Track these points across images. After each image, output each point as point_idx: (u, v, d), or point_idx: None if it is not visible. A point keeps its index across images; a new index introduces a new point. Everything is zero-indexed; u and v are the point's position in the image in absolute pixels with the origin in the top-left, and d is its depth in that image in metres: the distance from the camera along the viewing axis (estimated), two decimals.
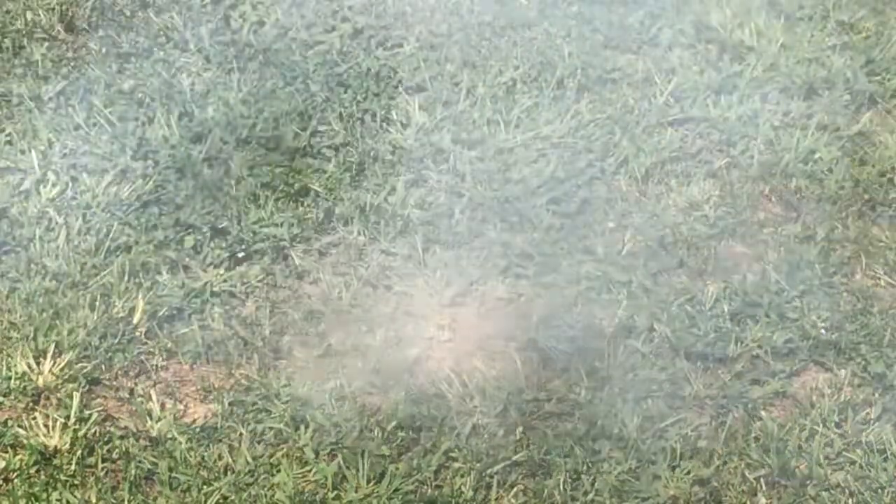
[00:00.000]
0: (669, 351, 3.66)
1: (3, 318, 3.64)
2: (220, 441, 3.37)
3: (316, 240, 3.97)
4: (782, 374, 3.63)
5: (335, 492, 3.27)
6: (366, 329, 3.70)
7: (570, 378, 3.58)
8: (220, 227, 3.95)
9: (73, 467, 3.26)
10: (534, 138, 4.34)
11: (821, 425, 3.47)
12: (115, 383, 3.52)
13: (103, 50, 4.69)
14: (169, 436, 3.35)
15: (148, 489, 3.26)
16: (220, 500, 3.23)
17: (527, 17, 4.94)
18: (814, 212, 4.16)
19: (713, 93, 4.59)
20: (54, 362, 3.49)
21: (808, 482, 3.35)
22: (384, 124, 4.39)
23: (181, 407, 3.47)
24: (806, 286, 3.86)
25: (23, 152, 4.17)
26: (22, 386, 3.45)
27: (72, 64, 4.61)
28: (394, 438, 3.39)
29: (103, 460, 3.30)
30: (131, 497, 3.22)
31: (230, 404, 3.46)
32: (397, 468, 3.32)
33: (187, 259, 3.85)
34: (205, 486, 3.25)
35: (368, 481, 3.29)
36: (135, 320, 3.65)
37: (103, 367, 3.54)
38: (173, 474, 3.27)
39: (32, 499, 3.20)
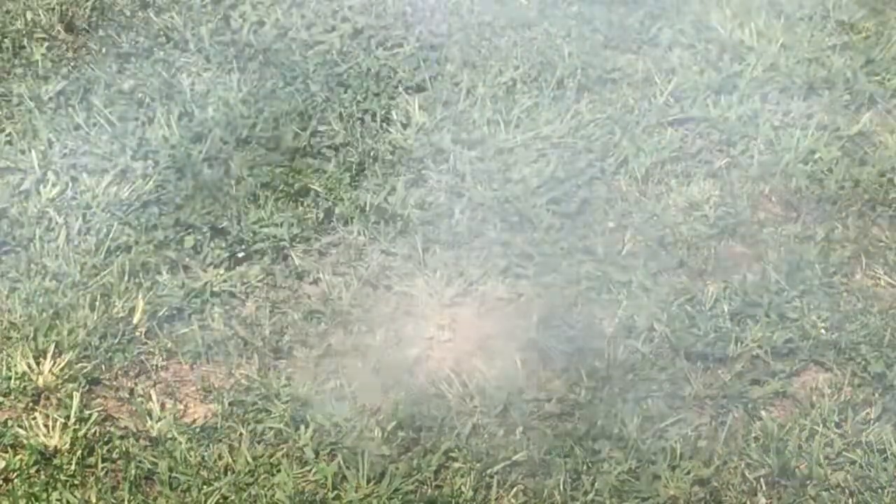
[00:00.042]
0: (669, 351, 3.66)
1: (3, 318, 3.64)
2: (220, 441, 3.37)
3: (316, 240, 3.97)
4: (782, 374, 3.63)
5: (335, 492, 3.27)
6: (366, 329, 3.70)
7: (570, 378, 3.58)
8: (220, 227, 3.95)
9: (73, 467, 3.27)
10: (534, 138, 4.34)
11: (821, 425, 3.47)
12: (115, 383, 3.52)
13: (103, 50, 4.69)
14: (169, 436, 3.36)
15: (148, 489, 3.26)
16: (220, 500, 3.23)
17: (527, 17, 4.94)
18: (814, 212, 4.16)
19: (713, 93, 4.59)
20: (54, 362, 3.49)
21: (808, 482, 3.35)
22: (384, 124, 4.39)
23: (181, 407, 3.47)
24: (806, 286, 3.86)
25: (23, 152, 4.17)
26: (22, 386, 3.45)
27: (72, 64, 4.62)
28: (394, 438, 3.39)
29: (103, 460, 3.30)
30: (131, 497, 3.22)
31: (230, 404, 3.46)
32: (397, 468, 3.32)
33: (187, 259, 3.86)
34: (205, 486, 3.25)
35: (368, 481, 3.29)
36: (135, 320, 3.65)
37: (103, 367, 3.54)
38: (173, 474, 3.27)
39: (32, 499, 3.20)
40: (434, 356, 3.65)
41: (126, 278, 3.76)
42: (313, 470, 3.31)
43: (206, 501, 3.22)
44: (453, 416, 3.45)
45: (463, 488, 3.29)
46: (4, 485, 3.24)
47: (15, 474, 3.25)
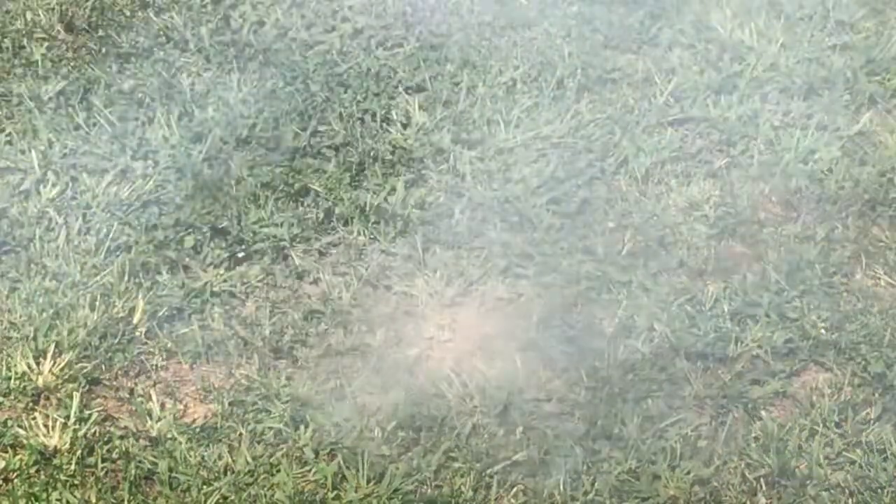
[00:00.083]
0: (669, 351, 3.66)
1: (3, 318, 3.64)
2: (220, 441, 3.37)
3: (316, 240, 3.97)
4: (782, 374, 3.63)
5: (335, 492, 3.27)
6: (366, 329, 3.70)
7: (570, 378, 3.58)
8: (220, 227, 3.95)
9: (73, 467, 3.27)
10: (534, 138, 4.34)
11: (821, 425, 3.47)
12: (115, 383, 3.52)
13: (103, 50, 4.69)
14: (169, 436, 3.36)
15: (148, 489, 3.26)
16: (220, 500, 3.23)
17: (527, 17, 4.94)
18: (814, 212, 4.16)
19: (713, 93, 4.59)
20: (54, 362, 3.49)
21: (808, 482, 3.35)
22: (384, 124, 4.39)
23: (181, 407, 3.47)
24: (806, 286, 3.86)
25: (23, 152, 4.17)
26: (22, 386, 3.45)
27: (72, 64, 4.62)
28: (394, 438, 3.39)
29: (103, 460, 3.30)
30: (131, 497, 3.22)
31: (230, 404, 3.46)
32: (397, 468, 3.32)
33: (187, 259, 3.86)
34: (205, 486, 3.25)
35: (368, 481, 3.29)
36: (135, 320, 3.65)
37: (103, 367, 3.54)
38: (173, 474, 3.27)
39: (32, 499, 3.20)
40: (434, 356, 3.65)
41: (126, 278, 3.76)
42: (313, 470, 3.31)
43: (206, 501, 3.22)
44: (453, 416, 3.45)
45: (463, 488, 3.29)
46: (4, 485, 3.24)
47: (15, 474, 3.25)
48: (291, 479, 3.28)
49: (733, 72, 4.69)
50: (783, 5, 5.02)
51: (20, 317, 3.64)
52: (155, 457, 3.31)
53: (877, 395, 3.57)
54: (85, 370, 3.50)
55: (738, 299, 3.80)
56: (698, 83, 4.63)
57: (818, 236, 4.05)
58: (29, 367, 3.48)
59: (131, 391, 3.50)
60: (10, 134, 4.25)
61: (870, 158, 4.37)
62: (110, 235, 3.89)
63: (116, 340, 3.60)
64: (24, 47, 4.69)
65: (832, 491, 3.34)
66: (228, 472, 3.29)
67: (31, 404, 3.43)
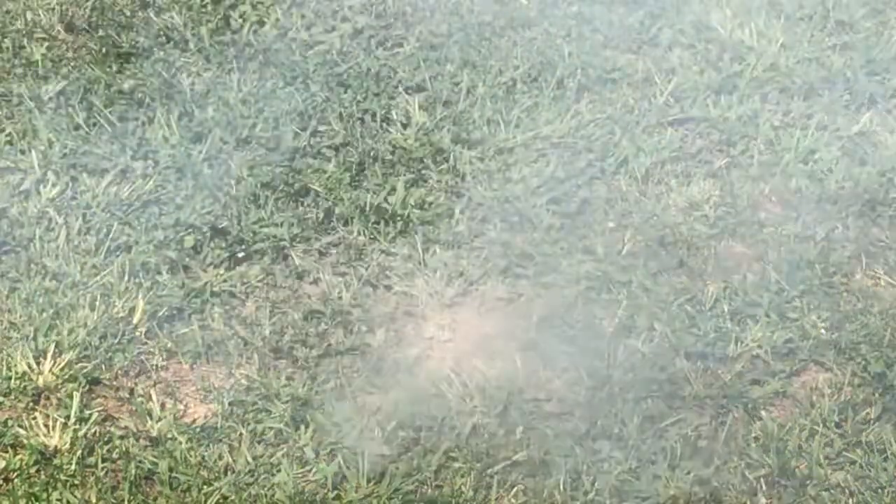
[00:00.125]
0: (669, 351, 3.66)
1: (3, 318, 3.64)
2: (220, 441, 3.37)
3: (316, 240, 3.97)
4: (782, 374, 3.63)
5: (335, 492, 3.27)
6: (366, 329, 3.70)
7: (570, 378, 3.58)
8: (220, 227, 3.95)
9: (73, 467, 3.27)
10: (534, 138, 4.34)
11: (821, 425, 3.47)
12: (115, 383, 3.52)
13: (103, 50, 4.69)
14: (169, 436, 3.35)
15: (148, 489, 3.26)
16: (220, 500, 3.23)
17: (527, 17, 4.94)
18: (814, 212, 4.16)
19: (713, 93, 4.59)
20: (54, 362, 3.49)
21: (808, 482, 3.35)
22: (384, 124, 4.39)
23: (181, 407, 3.47)
24: (806, 286, 3.86)
25: (23, 152, 4.17)
26: (22, 386, 3.45)
27: (72, 64, 4.62)
28: (394, 438, 3.39)
29: (103, 460, 3.30)
30: (131, 497, 3.22)
31: (230, 404, 3.46)
32: (397, 468, 3.32)
33: (187, 259, 3.86)
34: (205, 486, 3.25)
35: (368, 481, 3.29)
36: (135, 320, 3.65)
37: (103, 367, 3.54)
38: (173, 474, 3.27)
39: (32, 499, 3.20)
40: (434, 356, 3.65)
41: (126, 278, 3.76)
42: (313, 470, 3.31)
43: (206, 501, 3.22)
44: (453, 416, 3.45)
45: (463, 488, 3.29)
46: (4, 485, 3.24)
47: (15, 474, 3.25)
48: (291, 479, 3.28)
49: (733, 72, 4.69)
50: (783, 5, 5.02)
51: (20, 317, 3.64)
52: (155, 457, 3.30)
53: (877, 395, 3.57)
54: (85, 370, 3.50)
55: (738, 299, 3.80)
56: (698, 83, 4.63)
57: (818, 236, 4.05)
58: (29, 367, 3.48)
59: (131, 391, 3.50)
60: (10, 134, 4.25)
61: (870, 158, 4.37)
62: (110, 235, 3.89)
63: (116, 340, 3.60)
64: (24, 47, 4.69)
65: (832, 491, 3.34)
66: (228, 472, 3.29)
67: (31, 404, 3.43)
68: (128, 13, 4.88)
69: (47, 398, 3.45)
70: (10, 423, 3.37)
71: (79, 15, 4.84)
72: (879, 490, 3.34)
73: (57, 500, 3.20)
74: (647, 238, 4.01)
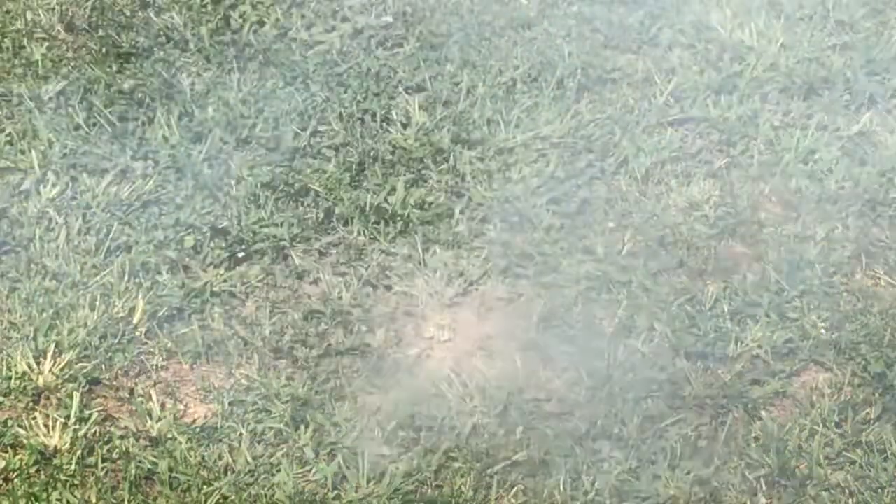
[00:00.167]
0: (669, 351, 3.66)
1: (3, 318, 3.64)
2: (220, 441, 3.37)
3: (316, 240, 3.97)
4: (782, 374, 3.63)
5: (335, 492, 3.27)
6: (366, 329, 3.70)
7: (570, 378, 3.58)
8: (220, 227, 3.95)
9: (73, 467, 3.27)
10: (534, 138, 4.34)
11: (821, 425, 3.47)
12: (115, 383, 3.52)
13: (103, 50, 4.69)
14: (169, 436, 3.36)
15: (148, 489, 3.26)
16: (220, 500, 3.23)
17: (527, 17, 4.94)
18: (814, 212, 4.16)
19: (713, 93, 4.59)
20: (54, 362, 3.49)
21: (808, 482, 3.35)
22: (384, 124, 4.39)
23: (181, 407, 3.47)
24: (806, 286, 3.86)
25: (23, 152, 4.17)
26: (22, 386, 3.45)
27: (72, 64, 4.61)
28: (394, 438, 3.39)
29: (103, 460, 3.30)
30: (131, 497, 3.22)
31: (230, 404, 3.46)
32: (397, 468, 3.32)
33: (187, 259, 3.86)
34: (205, 486, 3.25)
35: (368, 481, 3.29)
36: (135, 320, 3.65)
37: (103, 367, 3.54)
38: (173, 474, 3.27)
39: (32, 499, 3.20)
40: (434, 356, 3.65)
41: (126, 278, 3.76)
42: (313, 470, 3.31)
43: (206, 501, 3.22)
44: (453, 416, 3.45)
45: (463, 488, 3.29)
46: (4, 485, 3.24)
47: (15, 474, 3.25)
48: (291, 479, 3.28)
49: (733, 72, 4.69)
50: (783, 5, 5.02)
51: (20, 317, 3.64)
52: (155, 457, 3.30)
53: (877, 395, 3.57)
54: (85, 370, 3.50)
55: (738, 299, 3.80)
56: (698, 83, 4.63)
57: (818, 236, 4.05)
58: (29, 367, 3.48)
59: (131, 391, 3.50)
60: (10, 134, 4.25)
61: (870, 158, 4.37)
62: (110, 235, 3.89)
63: (116, 340, 3.60)
64: (24, 47, 4.69)
65: (832, 491, 3.34)
66: (228, 472, 3.29)
67: (31, 404, 3.43)
68: (128, 13, 4.88)
69: (47, 398, 3.45)
70: (10, 423, 3.37)
71: (79, 15, 4.84)
72: (879, 490, 3.34)
73: (57, 500, 3.20)
74: (647, 238, 4.01)
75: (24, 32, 4.75)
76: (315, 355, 3.61)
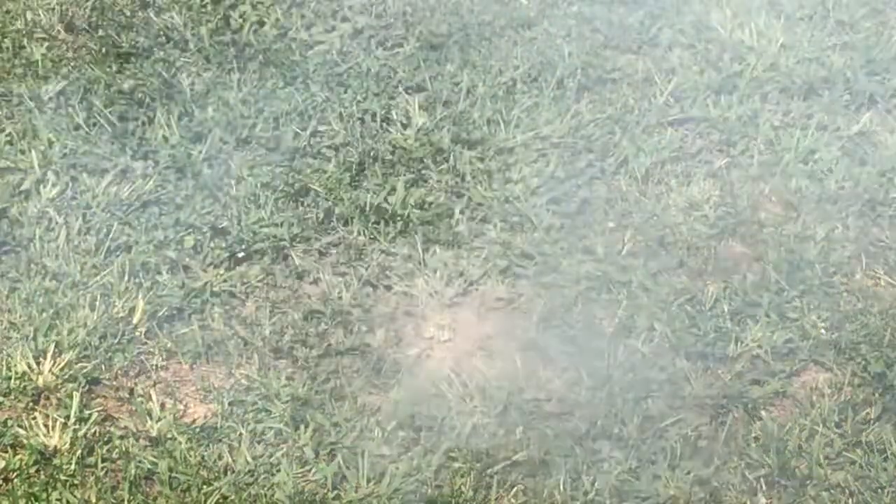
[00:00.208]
0: (669, 351, 3.66)
1: (3, 318, 3.64)
2: (220, 441, 3.37)
3: (316, 240, 3.97)
4: (782, 374, 3.63)
5: (335, 492, 3.27)
6: (366, 329, 3.70)
7: (570, 378, 3.58)
8: (220, 227, 3.95)
9: (73, 467, 3.27)
10: (534, 138, 4.34)
11: (821, 425, 3.47)
12: (115, 383, 3.52)
13: (103, 50, 4.69)
14: (169, 436, 3.36)
15: (148, 489, 3.26)
16: (220, 500, 3.23)
17: (527, 17, 4.94)
18: (814, 212, 4.16)
19: (713, 93, 4.59)
20: (54, 362, 3.49)
21: (808, 482, 3.35)
22: (384, 124, 4.39)
23: (181, 407, 3.47)
24: (806, 286, 3.86)
25: (23, 152, 4.17)
26: (22, 386, 3.45)
27: (72, 64, 4.62)
28: (394, 438, 3.39)
29: (103, 460, 3.30)
30: (131, 497, 3.22)
31: (230, 404, 3.46)
32: (397, 468, 3.32)
33: (187, 259, 3.86)
34: (205, 486, 3.25)
35: (368, 481, 3.29)
36: (135, 320, 3.65)
37: (103, 367, 3.54)
38: (173, 474, 3.27)
39: (32, 499, 3.20)
40: (434, 356, 3.65)
41: (126, 278, 3.76)
42: (313, 470, 3.31)
43: (206, 501, 3.22)
44: (453, 416, 3.45)
45: (463, 488, 3.29)
46: (4, 485, 3.24)
47: (15, 474, 3.25)
48: (291, 479, 3.28)
49: (733, 72, 4.69)
50: (783, 5, 5.02)
51: (20, 317, 3.64)
52: (155, 457, 3.31)
53: (877, 395, 3.57)
54: (85, 370, 3.50)
55: (738, 299, 3.80)
56: (698, 83, 4.63)
57: (818, 236, 4.05)
58: (29, 367, 3.48)
59: (131, 391, 3.50)
60: (10, 134, 4.25)
61: (870, 158, 4.37)
62: (110, 235, 3.89)
63: (116, 340, 3.60)
64: (24, 47, 4.69)
65: (832, 491, 3.34)
66: (228, 472, 3.29)
67: (31, 404, 3.43)
68: (128, 13, 4.88)
69: (47, 398, 3.45)
70: (10, 423, 3.37)
71: (79, 15, 4.84)
72: (879, 490, 3.34)
73: (57, 500, 3.20)
74: (647, 238, 4.01)
75: (24, 32, 4.75)
76: (315, 355, 3.61)
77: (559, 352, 3.64)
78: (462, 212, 4.06)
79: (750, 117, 4.50)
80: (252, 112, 4.39)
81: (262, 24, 4.84)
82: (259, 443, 3.38)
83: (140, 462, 3.29)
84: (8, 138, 4.23)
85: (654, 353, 3.65)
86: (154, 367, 3.57)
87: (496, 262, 3.91)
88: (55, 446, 3.30)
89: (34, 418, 3.37)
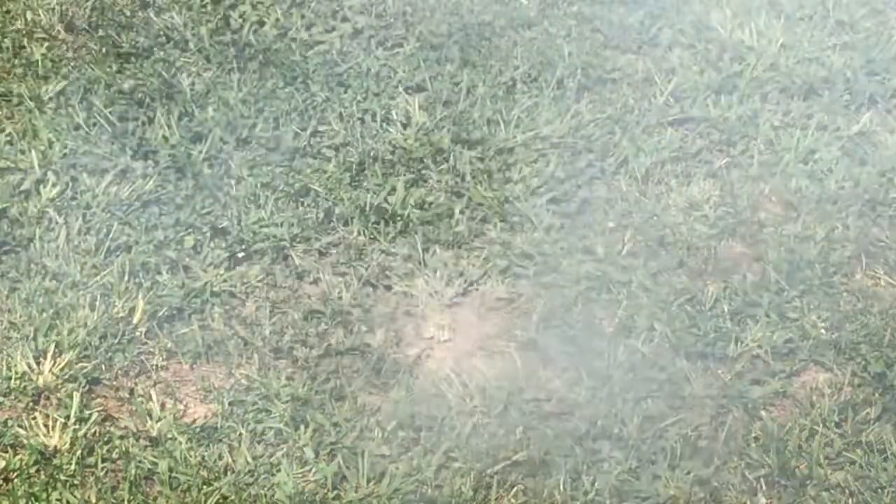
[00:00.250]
0: (669, 351, 3.66)
1: (3, 318, 3.64)
2: (220, 441, 3.37)
3: (316, 240, 3.97)
4: (782, 374, 3.63)
5: (335, 492, 3.27)
6: (366, 329, 3.70)
7: (570, 378, 3.58)
8: (220, 227, 3.95)
9: (73, 467, 3.27)
10: (534, 138, 4.34)
11: (821, 425, 3.47)
12: (115, 383, 3.52)
13: (103, 50, 4.69)
14: (169, 436, 3.36)
15: (148, 489, 3.26)
16: (220, 500, 3.23)
17: (527, 17, 4.94)
18: (814, 212, 4.16)
19: (713, 93, 4.59)
20: (54, 362, 3.49)
21: (808, 482, 3.35)
22: (384, 124, 4.39)
23: (181, 407, 3.47)
24: (806, 286, 3.86)
25: (23, 152, 4.17)
26: (22, 386, 3.45)
27: (72, 64, 4.62)
28: (394, 438, 3.39)
29: (103, 460, 3.30)
30: (131, 497, 3.22)
31: (230, 404, 3.46)
32: (397, 468, 3.32)
33: (187, 259, 3.86)
34: (205, 486, 3.25)
35: (368, 481, 3.29)
36: (135, 320, 3.65)
37: (103, 367, 3.54)
38: (173, 474, 3.27)
39: (32, 499, 3.20)
40: (434, 356, 3.65)
41: (126, 278, 3.76)
42: (313, 470, 3.31)
43: (206, 501, 3.22)
44: (453, 416, 3.45)
45: (463, 488, 3.29)
46: (4, 485, 3.24)
47: (15, 474, 3.25)
48: (291, 479, 3.28)
49: (733, 72, 4.69)
50: (783, 5, 5.02)
51: (20, 317, 3.64)
52: (155, 457, 3.30)
53: (877, 395, 3.57)
54: (85, 370, 3.50)
55: (738, 299, 3.80)
56: (698, 83, 4.63)
57: (818, 236, 4.05)
58: (29, 367, 3.48)
59: (131, 391, 3.50)
60: (10, 134, 4.25)
61: (870, 158, 4.37)
62: (110, 235, 3.89)
63: (116, 340, 3.60)
64: (24, 47, 4.69)
65: (832, 491, 3.34)
66: (228, 472, 3.29)
67: (31, 404, 3.43)
68: (128, 13, 4.88)
69: (47, 398, 3.45)
70: (10, 423, 3.37)
71: (79, 15, 4.84)
72: (879, 490, 3.34)
73: (57, 500, 3.20)
74: (647, 238, 4.01)
75: (24, 32, 4.75)
76: (315, 355, 3.61)
77: (559, 352, 3.64)
78: (462, 212, 4.06)
79: (750, 117, 4.50)
80: (252, 112, 4.39)
81: (262, 24, 4.84)
82: (259, 443, 3.38)
83: (140, 462, 3.29)
84: (8, 138, 4.23)
85: (654, 353, 3.65)
86: (154, 367, 3.57)
87: (496, 262, 3.91)
88: (55, 446, 3.30)
89: (34, 418, 3.37)
